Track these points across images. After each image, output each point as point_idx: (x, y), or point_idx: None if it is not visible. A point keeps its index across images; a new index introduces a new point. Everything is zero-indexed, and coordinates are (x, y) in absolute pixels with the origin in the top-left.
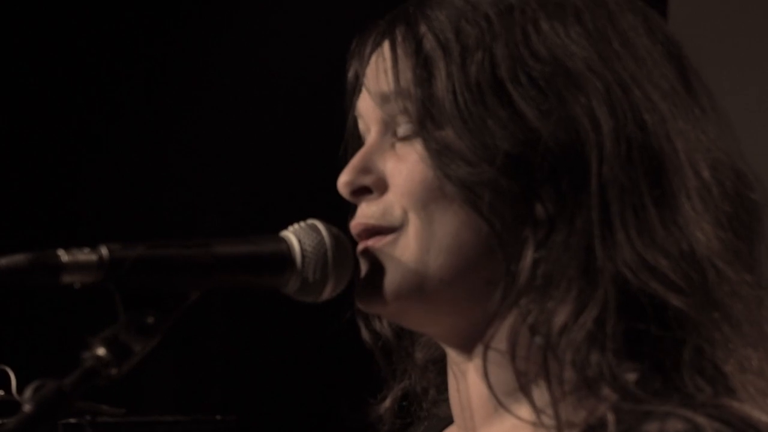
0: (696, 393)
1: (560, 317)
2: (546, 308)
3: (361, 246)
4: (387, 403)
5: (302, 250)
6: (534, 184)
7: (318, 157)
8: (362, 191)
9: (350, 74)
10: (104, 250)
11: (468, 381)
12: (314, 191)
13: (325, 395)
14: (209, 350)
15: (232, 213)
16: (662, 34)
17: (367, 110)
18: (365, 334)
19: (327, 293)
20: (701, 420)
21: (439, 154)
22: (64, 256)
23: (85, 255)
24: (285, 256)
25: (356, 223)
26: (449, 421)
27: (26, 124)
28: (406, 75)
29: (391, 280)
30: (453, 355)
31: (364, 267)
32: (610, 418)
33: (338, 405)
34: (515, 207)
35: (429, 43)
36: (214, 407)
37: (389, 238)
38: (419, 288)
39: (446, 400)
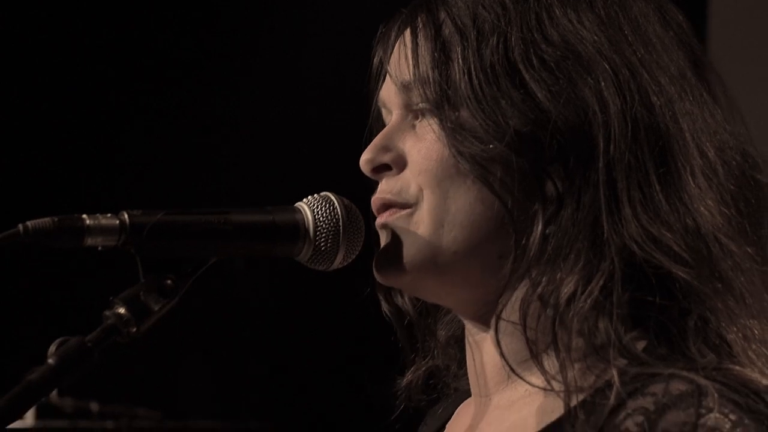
0: (700, 358)
1: (568, 287)
2: (555, 279)
3: (379, 220)
4: (411, 380)
5: (315, 219)
6: (543, 162)
7: (338, 139)
8: (382, 168)
9: (375, 61)
10: (125, 215)
11: (482, 350)
12: (334, 173)
13: (362, 403)
14: (246, 356)
15: (256, 192)
16: (675, 23)
17: (389, 96)
18: (385, 308)
19: (338, 261)
20: (704, 381)
21: (453, 133)
22: (87, 219)
23: (107, 219)
24: (299, 225)
25: (375, 198)
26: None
27: (69, 103)
28: (425, 59)
29: (406, 252)
30: (469, 326)
31: (382, 240)
32: (617, 380)
33: (374, 397)
34: (525, 183)
35: (447, 28)
36: (250, 413)
37: (404, 212)
38: (433, 260)
39: (467, 374)
